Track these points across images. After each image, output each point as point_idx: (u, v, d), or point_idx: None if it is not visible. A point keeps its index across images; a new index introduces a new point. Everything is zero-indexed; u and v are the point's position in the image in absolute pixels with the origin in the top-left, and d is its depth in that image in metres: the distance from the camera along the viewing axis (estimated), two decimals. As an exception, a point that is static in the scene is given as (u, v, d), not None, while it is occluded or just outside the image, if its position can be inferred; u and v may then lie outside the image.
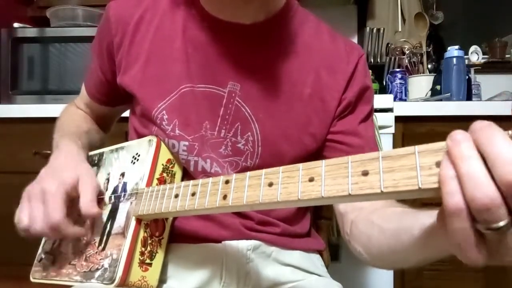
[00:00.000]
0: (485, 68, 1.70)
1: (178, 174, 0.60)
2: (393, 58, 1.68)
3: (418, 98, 1.54)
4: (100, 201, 0.56)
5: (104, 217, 0.55)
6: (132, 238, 0.50)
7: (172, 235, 0.58)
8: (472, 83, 1.54)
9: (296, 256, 0.63)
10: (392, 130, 1.25)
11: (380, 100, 1.24)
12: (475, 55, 1.73)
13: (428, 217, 0.35)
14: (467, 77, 1.45)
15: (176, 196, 0.47)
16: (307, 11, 0.66)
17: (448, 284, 1.26)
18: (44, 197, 0.49)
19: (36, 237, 0.51)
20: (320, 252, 0.71)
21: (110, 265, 0.49)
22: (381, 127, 1.20)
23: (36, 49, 1.52)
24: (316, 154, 0.62)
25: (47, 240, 0.59)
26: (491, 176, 0.24)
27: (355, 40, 1.86)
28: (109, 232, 0.53)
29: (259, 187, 0.38)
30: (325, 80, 0.61)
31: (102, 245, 0.52)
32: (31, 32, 1.54)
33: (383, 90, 1.65)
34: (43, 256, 0.57)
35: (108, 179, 0.58)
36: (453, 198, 0.26)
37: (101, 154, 0.63)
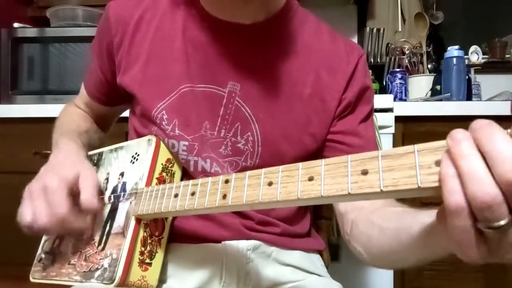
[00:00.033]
0: (485, 68, 1.71)
1: (178, 173, 0.60)
2: (393, 58, 1.68)
3: (418, 98, 1.54)
4: (100, 200, 0.56)
5: (104, 217, 0.55)
6: (131, 238, 0.50)
7: (172, 235, 0.58)
8: (472, 83, 1.54)
9: (296, 256, 0.63)
10: (392, 130, 1.25)
11: (380, 100, 1.24)
12: (475, 55, 1.73)
13: (428, 216, 0.35)
14: (467, 77, 1.45)
15: (176, 195, 0.47)
16: (307, 11, 0.66)
17: (448, 284, 1.26)
18: (46, 193, 0.49)
19: (40, 233, 0.51)
20: (320, 252, 0.71)
21: (110, 265, 0.49)
22: (381, 127, 1.20)
23: (36, 49, 1.52)
24: (316, 154, 0.62)
25: (47, 240, 0.59)
26: (491, 174, 0.24)
27: (355, 40, 1.86)
28: (109, 232, 0.53)
29: (258, 187, 0.38)
30: (325, 80, 0.61)
31: (102, 245, 0.52)
32: (31, 32, 1.54)
33: (383, 90, 1.65)
34: (43, 256, 0.57)
35: (107, 179, 0.58)
36: (454, 197, 0.26)
37: (100, 154, 0.63)
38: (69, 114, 0.71)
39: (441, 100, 1.41)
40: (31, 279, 0.57)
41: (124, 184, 0.56)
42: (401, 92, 1.56)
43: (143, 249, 0.52)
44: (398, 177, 0.29)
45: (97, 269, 0.50)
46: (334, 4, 1.81)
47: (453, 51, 1.44)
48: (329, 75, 0.61)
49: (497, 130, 0.25)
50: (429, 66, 1.68)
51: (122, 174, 0.57)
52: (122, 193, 0.55)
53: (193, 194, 0.44)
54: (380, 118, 1.18)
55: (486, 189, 0.24)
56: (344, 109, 0.62)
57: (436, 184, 0.27)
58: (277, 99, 0.59)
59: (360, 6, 1.86)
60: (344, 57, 0.63)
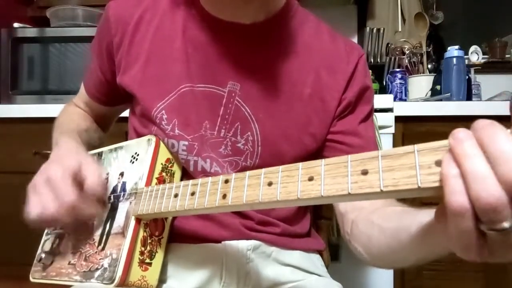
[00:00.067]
0: (485, 68, 1.71)
1: (178, 173, 0.60)
2: (393, 58, 1.68)
3: (418, 98, 1.54)
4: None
5: (104, 217, 0.55)
6: (131, 238, 0.50)
7: (172, 235, 0.58)
8: (472, 83, 1.54)
9: (296, 256, 0.63)
10: (392, 130, 1.25)
11: (380, 100, 1.24)
12: (475, 55, 1.73)
13: (427, 215, 0.35)
14: (467, 77, 1.45)
15: (176, 195, 0.47)
16: (307, 11, 0.66)
17: (447, 284, 1.26)
18: (51, 183, 0.49)
19: (50, 225, 0.50)
20: (320, 252, 0.71)
21: (110, 264, 0.49)
22: (381, 127, 1.20)
23: (36, 49, 1.52)
24: (316, 154, 0.62)
25: (46, 240, 0.59)
26: (495, 175, 0.24)
27: (355, 40, 1.86)
28: (109, 231, 0.53)
29: (258, 187, 0.38)
30: (325, 80, 0.61)
31: (102, 244, 0.52)
32: (31, 32, 1.54)
33: (383, 90, 1.65)
34: (42, 256, 0.57)
35: (107, 179, 0.58)
36: (457, 197, 0.25)
37: (100, 154, 0.63)
38: (69, 113, 0.71)
39: (441, 100, 1.41)
40: (31, 279, 0.57)
41: (124, 184, 0.56)
42: (401, 92, 1.56)
43: (143, 249, 0.52)
44: (398, 177, 0.29)
45: (97, 269, 0.50)
46: (334, 4, 1.81)
47: (453, 51, 1.44)
48: (329, 75, 0.61)
49: (499, 129, 0.25)
50: (429, 66, 1.68)
51: (121, 174, 0.57)
52: (122, 193, 0.55)
53: (193, 194, 0.44)
54: (380, 118, 1.18)
55: (491, 190, 0.24)
56: (344, 109, 0.62)
57: (436, 184, 0.27)
58: (277, 99, 0.59)
59: (360, 6, 1.86)
60: (344, 57, 0.63)
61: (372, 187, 0.30)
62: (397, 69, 1.61)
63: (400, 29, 1.77)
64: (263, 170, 0.38)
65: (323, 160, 0.34)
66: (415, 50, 1.66)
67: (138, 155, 0.57)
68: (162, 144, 0.58)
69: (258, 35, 0.59)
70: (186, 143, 0.58)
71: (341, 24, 1.83)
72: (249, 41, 0.59)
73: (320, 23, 0.66)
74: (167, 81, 0.58)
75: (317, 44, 0.63)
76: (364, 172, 0.31)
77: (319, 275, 0.64)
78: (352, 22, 1.88)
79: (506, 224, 0.24)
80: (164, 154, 0.58)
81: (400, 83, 1.56)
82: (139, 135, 0.61)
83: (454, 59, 1.44)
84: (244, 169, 0.59)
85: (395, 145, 1.27)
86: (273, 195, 0.36)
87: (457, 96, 1.41)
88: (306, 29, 0.63)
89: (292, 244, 0.63)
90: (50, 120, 0.68)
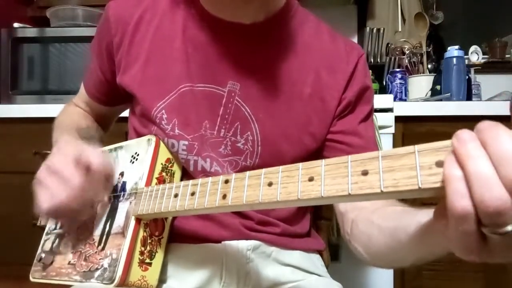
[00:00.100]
0: (485, 68, 1.71)
1: (178, 173, 0.59)
2: (393, 58, 1.68)
3: (418, 98, 1.54)
4: (99, 200, 0.56)
5: (104, 217, 0.55)
6: (131, 238, 0.50)
7: (172, 235, 0.58)
8: (472, 83, 1.54)
9: (296, 256, 0.63)
10: (392, 130, 1.25)
11: (380, 100, 1.24)
12: (475, 55, 1.73)
13: (426, 215, 0.35)
14: (467, 77, 1.45)
15: (176, 195, 0.47)
16: (307, 11, 0.66)
17: (447, 284, 1.26)
18: (56, 172, 0.49)
19: (62, 214, 0.50)
20: (320, 252, 0.71)
21: (110, 264, 0.49)
22: (381, 127, 1.20)
23: (36, 49, 1.52)
24: (316, 154, 0.62)
25: (46, 240, 0.59)
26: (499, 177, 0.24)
27: (355, 40, 1.86)
28: (109, 231, 0.53)
29: (258, 187, 0.38)
30: (325, 80, 0.61)
31: (102, 244, 0.52)
32: (31, 32, 1.54)
33: (383, 90, 1.65)
34: (43, 255, 0.57)
35: (121, 174, 0.58)
36: (460, 201, 0.25)
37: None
38: (69, 113, 0.71)
39: (441, 100, 1.41)
40: (31, 279, 0.57)
41: (124, 183, 0.56)
42: (401, 92, 1.56)
43: (143, 249, 0.52)
44: (398, 177, 0.29)
45: (97, 269, 0.50)
46: (334, 4, 1.81)
47: (453, 51, 1.44)
48: (329, 75, 0.61)
49: (503, 131, 0.24)
50: (429, 66, 1.68)
51: (122, 174, 0.57)
52: (122, 193, 0.55)
53: (193, 194, 0.44)
54: (380, 118, 1.18)
55: (495, 193, 0.23)
56: (344, 109, 0.62)
57: (437, 185, 0.27)
58: (277, 99, 0.59)
59: (360, 6, 1.86)
60: (344, 57, 0.63)
61: (373, 187, 0.30)
62: (397, 69, 1.61)
63: (400, 29, 1.77)
64: (263, 170, 0.38)
65: (323, 160, 0.34)
66: (415, 50, 1.66)
67: (138, 155, 0.57)
68: (162, 144, 0.58)
69: (258, 35, 0.59)
70: (186, 142, 0.58)
71: (341, 24, 1.83)
72: (249, 41, 0.59)
73: (320, 23, 0.66)
74: (167, 81, 0.58)
75: (317, 44, 0.63)
76: (365, 173, 0.31)
77: (319, 275, 0.64)
78: (352, 22, 1.88)
79: (509, 228, 0.24)
80: (164, 154, 0.58)
81: (400, 83, 1.56)
82: (139, 135, 0.61)
83: (454, 59, 1.44)
84: (244, 168, 0.59)
85: (395, 145, 1.27)
86: (273, 196, 0.36)
87: (457, 96, 1.41)
88: (306, 29, 0.63)
89: (292, 244, 0.63)
90: (50, 120, 0.68)
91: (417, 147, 0.29)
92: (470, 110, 1.27)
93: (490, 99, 1.58)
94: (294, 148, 0.60)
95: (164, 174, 0.57)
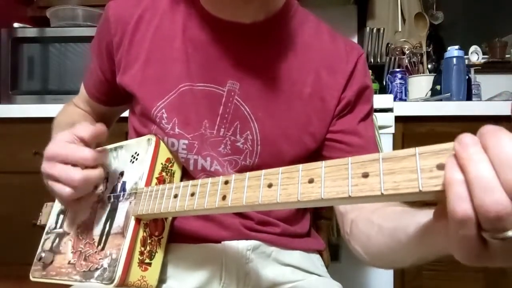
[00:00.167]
0: (485, 68, 1.71)
1: (178, 173, 0.59)
2: (393, 58, 1.68)
3: (418, 98, 1.54)
4: (99, 200, 0.56)
5: (103, 217, 0.55)
6: (131, 238, 0.50)
7: (171, 235, 0.58)
8: (472, 83, 1.54)
9: (296, 256, 0.63)
10: (392, 130, 1.25)
11: (380, 100, 1.24)
12: (475, 55, 1.73)
13: (425, 215, 0.35)
14: (467, 77, 1.46)
15: (175, 196, 0.47)
16: (307, 11, 0.66)
17: (447, 284, 1.26)
18: (58, 158, 0.49)
19: (87, 190, 0.50)
20: (320, 252, 0.71)
21: (110, 265, 0.49)
22: (381, 127, 1.20)
23: (36, 49, 1.52)
24: (316, 153, 0.62)
25: (47, 239, 0.59)
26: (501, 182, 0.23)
27: (355, 40, 1.86)
28: (108, 231, 0.53)
29: (258, 188, 0.38)
30: (325, 80, 0.61)
31: (102, 244, 0.52)
32: (31, 32, 1.54)
33: (383, 90, 1.65)
34: (43, 255, 0.57)
35: (107, 178, 0.58)
36: (461, 205, 0.24)
37: (101, 150, 0.63)
38: (69, 113, 0.71)
39: (441, 100, 1.41)
40: (31, 278, 0.57)
41: (123, 183, 0.56)
42: (401, 92, 1.56)
43: (142, 249, 0.52)
44: (399, 180, 0.29)
45: (96, 269, 0.50)
46: (334, 4, 1.81)
47: (453, 51, 1.45)
48: (329, 75, 0.61)
49: (505, 135, 0.24)
50: (429, 66, 1.68)
51: (121, 174, 0.57)
52: (122, 193, 0.55)
53: (192, 195, 0.44)
54: (380, 118, 1.18)
55: (496, 197, 0.23)
56: (344, 108, 0.62)
57: (438, 188, 0.27)
58: (277, 98, 0.59)
59: (360, 6, 1.86)
60: (344, 57, 0.63)
61: (373, 190, 0.30)
62: (397, 69, 1.61)
63: (400, 29, 1.77)
64: (263, 171, 0.38)
65: (323, 162, 0.34)
66: (415, 50, 1.66)
67: (138, 154, 0.57)
68: (162, 144, 0.58)
69: (258, 35, 0.59)
70: (186, 142, 0.58)
71: (341, 24, 1.83)
72: (249, 41, 0.59)
73: (320, 23, 0.66)
74: (167, 81, 0.58)
75: (317, 44, 0.63)
76: (365, 175, 0.30)
77: (319, 275, 0.64)
78: (352, 22, 1.88)
79: (510, 233, 0.23)
80: (164, 154, 0.57)
81: (400, 83, 1.56)
82: (139, 134, 0.61)
83: (454, 59, 1.44)
84: (243, 168, 0.59)
85: (395, 145, 1.27)
86: (273, 197, 0.36)
87: (457, 96, 1.41)
88: (306, 29, 0.63)
89: (292, 244, 0.63)
90: (50, 120, 0.68)
91: (418, 149, 0.28)
92: (470, 110, 1.27)
93: (490, 99, 1.58)
94: (294, 148, 0.60)
95: (164, 174, 0.57)
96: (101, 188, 0.57)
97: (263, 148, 0.59)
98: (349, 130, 0.62)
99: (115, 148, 0.61)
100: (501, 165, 0.23)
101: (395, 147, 1.26)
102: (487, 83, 1.67)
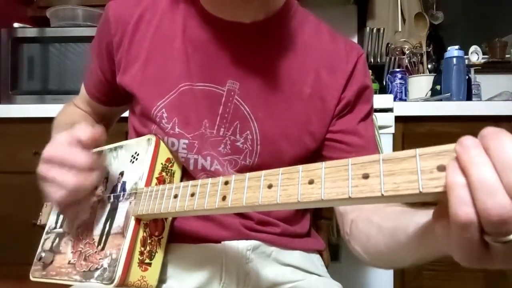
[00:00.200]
0: (485, 68, 1.71)
1: (178, 173, 0.59)
2: (393, 58, 1.68)
3: (418, 98, 1.54)
4: (99, 200, 0.56)
5: (103, 217, 0.55)
6: (131, 238, 0.50)
7: (171, 235, 0.58)
8: (472, 83, 1.54)
9: (296, 256, 0.63)
10: (392, 130, 1.25)
11: (380, 100, 1.24)
12: (475, 55, 1.73)
13: (424, 216, 0.35)
14: (467, 77, 1.46)
15: (175, 196, 0.47)
16: (307, 11, 0.66)
17: (447, 284, 1.26)
18: (54, 161, 0.48)
19: (79, 196, 0.50)
20: (320, 252, 0.71)
21: (110, 265, 0.49)
22: (381, 127, 1.20)
23: (36, 49, 1.53)
24: (316, 153, 0.62)
25: (47, 239, 0.59)
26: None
27: (355, 40, 1.86)
28: (108, 231, 0.53)
29: (258, 189, 0.38)
30: (325, 80, 0.61)
31: (101, 244, 0.52)
32: (31, 32, 1.54)
33: (383, 90, 1.65)
34: (43, 254, 0.57)
35: (107, 178, 0.58)
36: (463, 208, 0.24)
37: (100, 153, 0.63)
38: (69, 113, 0.71)
39: (441, 100, 1.41)
40: (31, 278, 0.57)
41: (123, 183, 0.56)
42: (401, 92, 1.56)
43: (142, 249, 0.52)
44: (399, 181, 0.29)
45: (96, 269, 0.50)
46: (334, 4, 1.81)
47: (453, 51, 1.45)
48: (329, 75, 0.61)
49: (506, 137, 0.24)
50: (429, 66, 1.68)
51: (121, 174, 0.57)
52: (122, 193, 0.55)
53: (192, 195, 0.44)
54: (380, 118, 1.18)
55: (498, 201, 0.23)
56: (343, 108, 0.62)
57: (438, 190, 0.26)
58: (277, 98, 0.59)
59: (360, 6, 1.86)
60: (344, 57, 0.63)
61: (373, 191, 0.30)
62: (397, 69, 1.61)
63: (400, 29, 1.77)
64: (263, 172, 0.38)
65: (323, 163, 0.34)
66: (415, 50, 1.66)
67: (138, 154, 0.57)
68: (162, 144, 0.58)
69: (258, 34, 0.59)
70: (186, 141, 0.58)
71: (341, 24, 1.84)
72: (249, 40, 0.59)
73: (320, 23, 0.66)
74: (167, 80, 0.58)
75: (317, 44, 0.63)
76: (365, 176, 0.30)
77: (319, 275, 0.64)
78: (352, 22, 1.88)
79: None
80: (164, 154, 0.57)
81: (400, 83, 1.56)
82: (139, 134, 0.61)
83: (454, 59, 1.44)
84: (243, 168, 0.59)
85: (395, 145, 1.27)
86: (273, 198, 0.36)
87: (457, 96, 1.41)
88: (306, 29, 0.63)
89: (292, 244, 0.63)
90: (50, 120, 0.68)
91: (418, 151, 0.28)
92: (470, 110, 1.27)
93: (490, 99, 1.58)
94: (294, 148, 0.60)
95: (164, 174, 0.57)
96: (101, 188, 0.57)
97: (263, 147, 0.59)
98: (349, 130, 0.62)
99: (115, 148, 0.61)
100: (503, 167, 0.23)
101: (395, 147, 1.26)
102: (487, 83, 1.67)
